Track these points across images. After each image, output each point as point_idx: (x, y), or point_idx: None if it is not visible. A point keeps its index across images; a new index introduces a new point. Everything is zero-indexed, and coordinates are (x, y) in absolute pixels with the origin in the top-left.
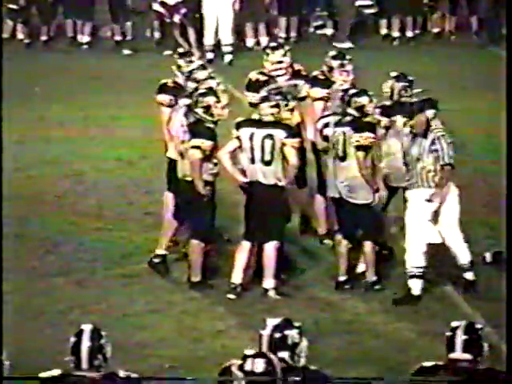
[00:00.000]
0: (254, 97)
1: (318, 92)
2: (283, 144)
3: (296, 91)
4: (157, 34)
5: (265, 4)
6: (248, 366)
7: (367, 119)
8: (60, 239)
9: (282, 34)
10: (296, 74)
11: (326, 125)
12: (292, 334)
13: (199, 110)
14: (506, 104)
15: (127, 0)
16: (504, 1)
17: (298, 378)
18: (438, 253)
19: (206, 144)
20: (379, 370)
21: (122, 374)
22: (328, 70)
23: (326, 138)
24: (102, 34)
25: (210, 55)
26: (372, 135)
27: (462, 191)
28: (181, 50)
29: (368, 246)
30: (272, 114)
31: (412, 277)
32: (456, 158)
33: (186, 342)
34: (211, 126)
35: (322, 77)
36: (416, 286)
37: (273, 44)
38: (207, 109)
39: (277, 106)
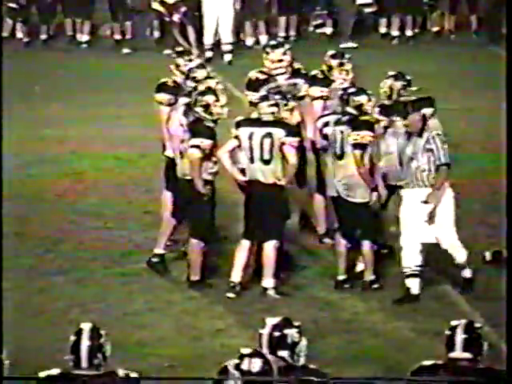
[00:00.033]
0: (253, 96)
1: (317, 91)
2: (282, 143)
3: (296, 90)
4: (156, 33)
5: (265, 3)
6: (245, 366)
7: (365, 117)
8: (60, 238)
9: (282, 33)
10: (296, 73)
11: (326, 124)
12: (291, 333)
13: (199, 109)
14: (505, 103)
15: None
16: (504, 0)
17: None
18: (436, 251)
19: (206, 143)
20: (378, 369)
21: (121, 372)
22: (327, 68)
23: (325, 137)
24: (101, 32)
25: (209, 54)
26: (369, 133)
27: (461, 190)
28: (178, 48)
29: (366, 245)
30: (271, 113)
31: (409, 276)
32: (456, 156)
33: (185, 340)
34: (211, 124)
35: (321, 76)
36: (414, 285)
37: (273, 42)
38: (206, 108)
39: (276, 105)
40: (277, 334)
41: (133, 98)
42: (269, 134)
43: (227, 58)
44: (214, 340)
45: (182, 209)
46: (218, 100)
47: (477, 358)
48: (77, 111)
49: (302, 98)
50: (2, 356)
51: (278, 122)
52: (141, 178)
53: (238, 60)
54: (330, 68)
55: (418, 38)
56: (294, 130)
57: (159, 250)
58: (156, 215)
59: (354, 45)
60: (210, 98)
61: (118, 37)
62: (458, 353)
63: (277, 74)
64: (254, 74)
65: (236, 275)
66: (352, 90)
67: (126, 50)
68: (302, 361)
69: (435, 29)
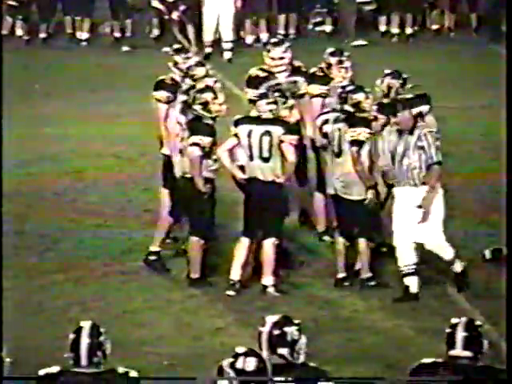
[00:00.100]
0: (252, 93)
1: (316, 89)
2: (281, 141)
3: (296, 88)
4: (156, 31)
5: (266, 1)
6: (239, 364)
7: (362, 115)
8: (59, 236)
9: (281, 31)
10: (296, 71)
11: (325, 122)
12: (291, 331)
13: (197, 107)
14: (505, 101)
15: None
16: None
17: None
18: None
19: (205, 141)
20: (378, 367)
21: (120, 370)
22: (326, 66)
23: (325, 135)
24: (100, 30)
25: (208, 50)
26: (366, 130)
27: (461, 189)
28: (176, 46)
29: (362, 242)
30: (270, 111)
31: (406, 275)
32: (456, 155)
33: (184, 339)
34: (210, 122)
35: (320, 73)
36: (413, 284)
37: (274, 40)
38: (205, 105)
39: (275, 102)
40: (276, 331)
41: (132, 97)
42: (268, 132)
43: (227, 55)
44: (214, 338)
45: (179, 207)
46: (216, 98)
47: (477, 356)
48: (76, 109)
49: (302, 96)
50: (1, 354)
51: (276, 120)
52: (140, 176)
53: (238, 58)
54: (329, 66)
55: (418, 36)
56: (293, 128)
57: (155, 248)
58: (155, 213)
59: (364, 42)
60: (208, 96)
61: (117, 35)
62: (459, 351)
63: (277, 72)
64: (254, 72)
65: (235, 273)
66: (350, 87)
67: (125, 48)
68: (301, 359)
69: (435, 27)
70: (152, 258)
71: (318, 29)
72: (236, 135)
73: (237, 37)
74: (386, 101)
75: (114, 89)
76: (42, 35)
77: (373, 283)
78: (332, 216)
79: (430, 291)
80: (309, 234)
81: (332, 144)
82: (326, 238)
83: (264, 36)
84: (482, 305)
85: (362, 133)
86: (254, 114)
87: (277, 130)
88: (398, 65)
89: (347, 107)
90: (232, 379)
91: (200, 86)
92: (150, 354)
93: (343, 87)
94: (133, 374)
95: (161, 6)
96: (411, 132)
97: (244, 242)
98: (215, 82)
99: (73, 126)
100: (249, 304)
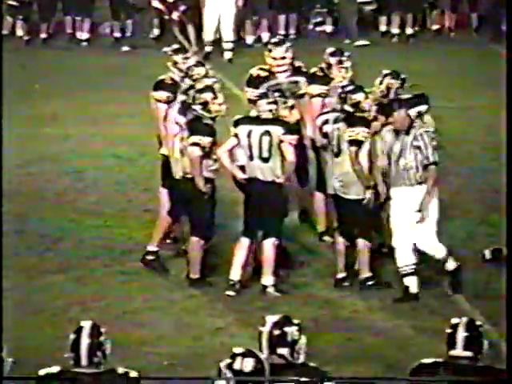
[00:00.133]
0: (252, 93)
1: (316, 89)
2: (281, 141)
3: (296, 88)
4: (156, 31)
5: (267, 0)
6: (237, 365)
7: (361, 114)
8: (59, 236)
9: (282, 31)
10: (296, 71)
11: (325, 122)
12: (291, 331)
13: (197, 107)
14: (506, 101)
15: None
16: None
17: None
18: None
19: (205, 141)
20: (378, 367)
21: (120, 370)
22: (326, 66)
23: (325, 135)
24: (101, 30)
25: (208, 49)
26: (365, 130)
27: (461, 188)
28: (175, 46)
29: (361, 242)
30: (270, 111)
31: (405, 275)
32: (456, 155)
33: (184, 339)
34: (209, 122)
35: (320, 73)
36: (412, 284)
37: (275, 40)
38: (205, 105)
39: (275, 102)
40: (276, 331)
41: (133, 97)
42: (267, 132)
43: (227, 55)
44: (214, 338)
45: (179, 207)
46: (216, 98)
47: (477, 356)
48: (76, 109)
49: (302, 96)
50: (2, 354)
51: (276, 120)
52: (140, 176)
53: (238, 58)
54: (329, 66)
55: (418, 36)
56: (293, 128)
57: (153, 248)
58: (155, 213)
59: (366, 42)
60: (207, 96)
61: (117, 35)
62: (459, 351)
63: (279, 72)
64: (255, 71)
65: (235, 273)
66: (350, 87)
67: (125, 48)
68: (301, 359)
69: (435, 27)
70: (150, 257)
71: (318, 29)
72: (236, 135)
73: (237, 37)
74: (385, 101)
75: (113, 89)
76: (42, 35)
77: (371, 283)
78: (332, 216)
79: (430, 291)
80: (309, 234)
81: (332, 144)
82: (326, 238)
83: (265, 35)
84: (481, 305)
85: (360, 132)
86: (253, 114)
87: (277, 130)
88: (398, 65)
89: (347, 107)
90: (230, 379)
91: (199, 86)
92: (150, 354)
93: (343, 87)
94: (133, 374)
95: (161, 6)
96: (407, 132)
97: (244, 242)
98: (215, 81)
99: (73, 126)
100: (249, 304)
